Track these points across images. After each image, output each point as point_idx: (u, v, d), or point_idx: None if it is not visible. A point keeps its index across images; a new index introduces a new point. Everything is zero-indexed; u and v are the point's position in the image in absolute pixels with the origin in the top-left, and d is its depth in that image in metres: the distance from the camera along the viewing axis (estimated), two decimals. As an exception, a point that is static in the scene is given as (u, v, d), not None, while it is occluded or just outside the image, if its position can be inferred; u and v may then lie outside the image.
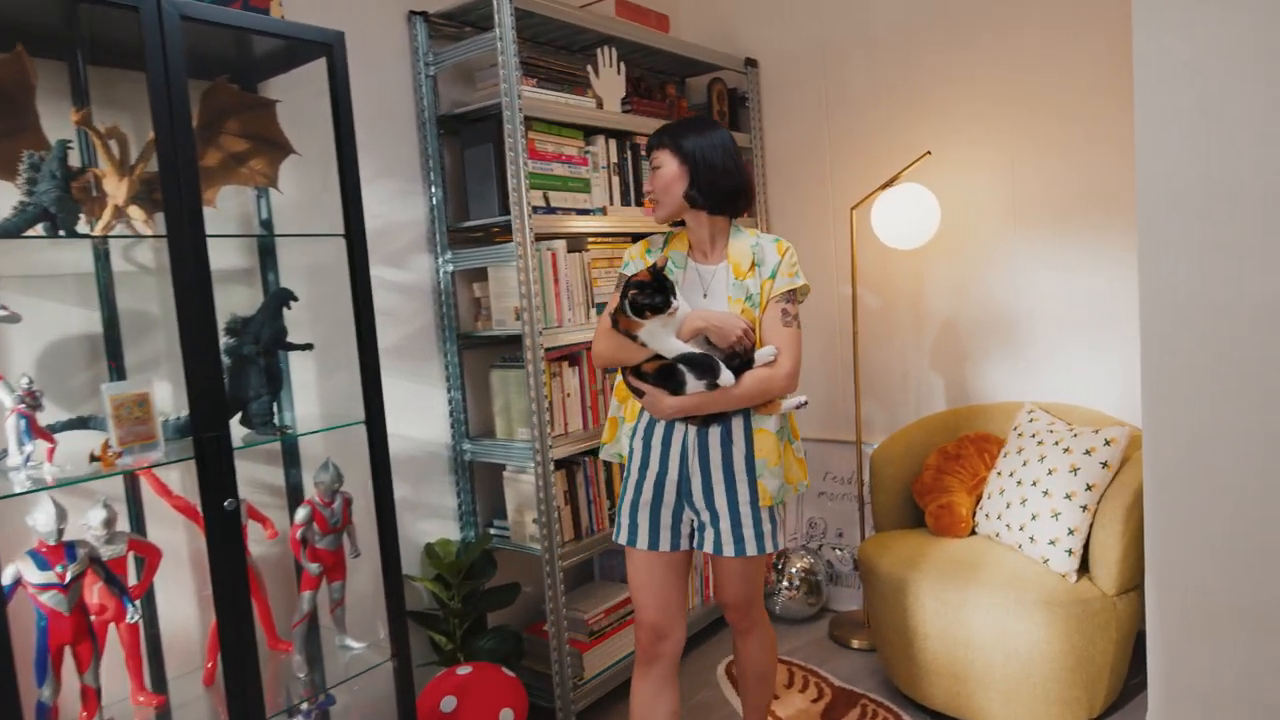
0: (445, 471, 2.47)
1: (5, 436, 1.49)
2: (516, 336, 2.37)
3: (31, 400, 1.46)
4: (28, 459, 1.45)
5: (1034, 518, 2.23)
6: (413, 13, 2.35)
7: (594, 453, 2.54)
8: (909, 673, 2.32)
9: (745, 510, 1.75)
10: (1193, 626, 1.47)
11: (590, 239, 2.55)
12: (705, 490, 1.76)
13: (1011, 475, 2.36)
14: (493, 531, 2.51)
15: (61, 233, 1.48)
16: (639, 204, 2.69)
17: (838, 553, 3.08)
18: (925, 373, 2.95)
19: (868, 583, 2.44)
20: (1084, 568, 2.18)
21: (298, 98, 1.87)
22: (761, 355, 1.71)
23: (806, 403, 1.78)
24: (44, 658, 1.49)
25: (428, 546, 2.37)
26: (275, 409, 1.81)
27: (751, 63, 3.16)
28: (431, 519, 2.43)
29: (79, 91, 1.68)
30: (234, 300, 1.92)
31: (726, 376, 1.67)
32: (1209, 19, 1.37)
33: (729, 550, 1.76)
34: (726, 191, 1.75)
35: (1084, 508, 2.16)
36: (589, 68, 2.55)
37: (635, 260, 1.87)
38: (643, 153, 2.69)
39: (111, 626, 1.60)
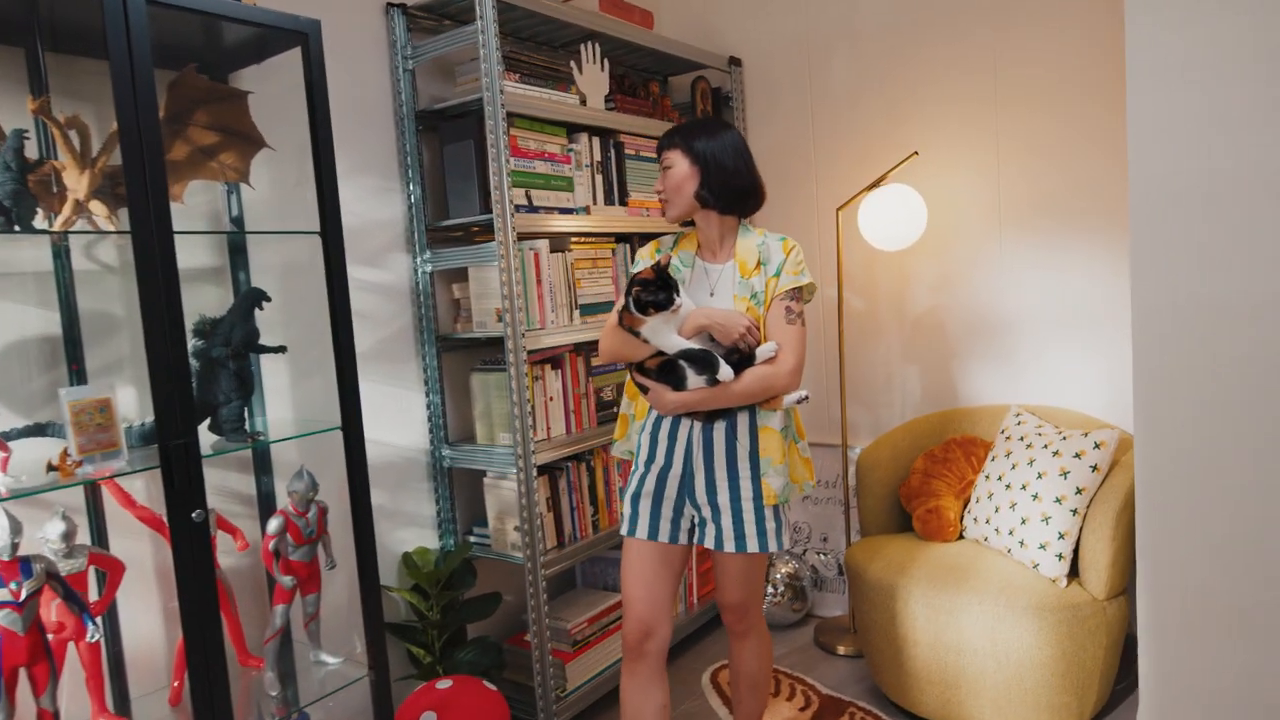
0: (424, 478, 2.40)
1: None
2: (498, 339, 2.31)
3: (-16, 406, 1.38)
4: (-21, 469, 1.37)
5: (1024, 522, 2.21)
6: (390, 4, 2.27)
7: (578, 458, 2.49)
8: (898, 680, 2.29)
9: (748, 506, 1.75)
10: (1186, 630, 1.46)
11: (573, 239, 2.50)
12: (708, 486, 1.77)
13: (1000, 479, 2.34)
14: (473, 540, 2.44)
15: (17, 228, 1.40)
16: (623, 203, 2.64)
17: (822, 558, 3.04)
18: (911, 375, 2.93)
19: (855, 588, 2.41)
20: (1073, 572, 2.17)
21: (271, 90, 1.80)
22: (762, 352, 1.72)
23: (808, 397, 1.79)
24: (-3, 680, 1.40)
25: (405, 556, 2.30)
26: (246, 415, 1.73)
27: (736, 61, 3.13)
28: (409, 527, 2.36)
29: (37, 79, 1.60)
30: (203, 301, 1.84)
31: (726, 371, 1.68)
32: (1206, 14, 1.34)
33: (730, 546, 1.76)
34: (737, 192, 1.78)
35: (1074, 511, 2.15)
36: (572, 64, 2.49)
37: (645, 259, 1.89)
38: (627, 151, 2.64)
39: (71, 645, 1.52)
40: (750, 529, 1.75)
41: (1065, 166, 2.56)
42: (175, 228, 1.43)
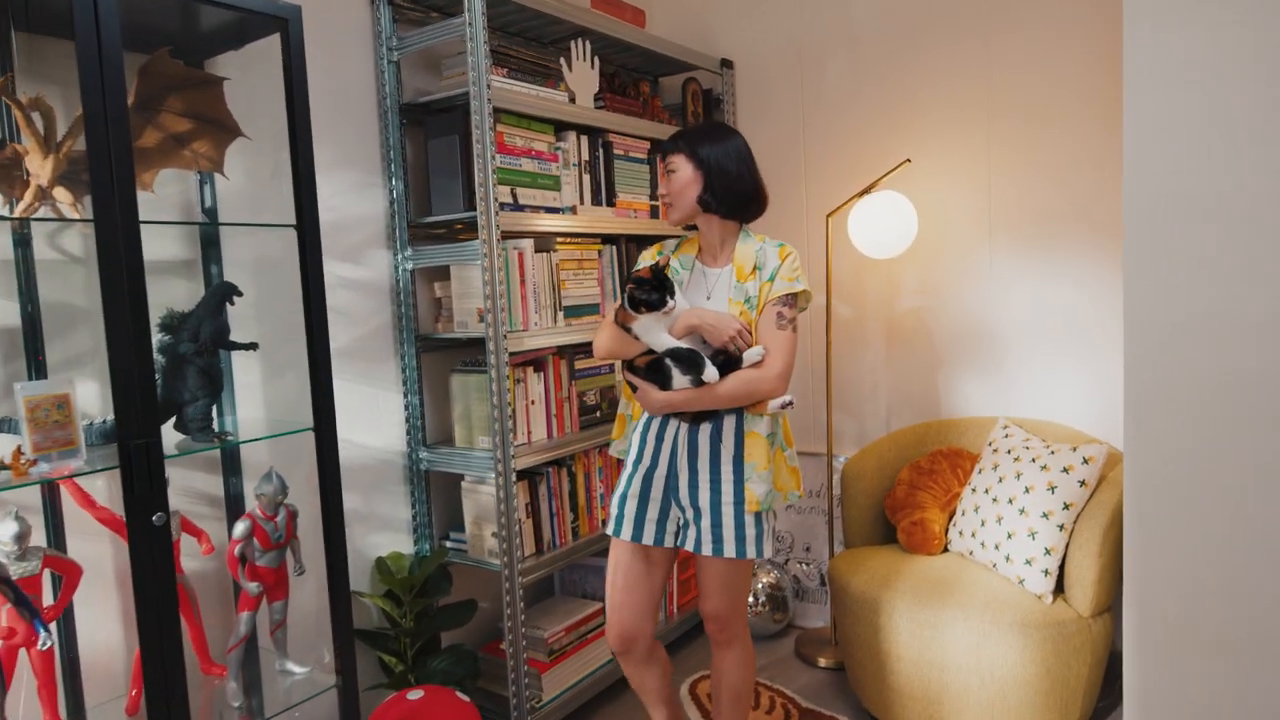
0: (399, 481, 2.33)
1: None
2: (479, 339, 2.26)
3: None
4: (-74, 466, 1.30)
5: (1010, 536, 2.18)
6: (376, -6, 2.22)
7: (559, 463, 2.43)
8: (880, 694, 2.25)
9: (728, 510, 1.74)
10: (1172, 648, 1.43)
11: (559, 239, 2.44)
12: (691, 487, 1.77)
13: (987, 492, 2.31)
14: (449, 545, 2.38)
15: (-27, 213, 1.33)
16: (610, 204, 2.59)
17: (805, 568, 3.01)
18: (897, 385, 2.90)
19: (838, 601, 2.37)
20: (1059, 588, 2.14)
21: (250, 78, 1.74)
22: (749, 355, 1.73)
23: (792, 402, 1.78)
24: (-59, 689, 1.33)
25: (379, 560, 2.24)
26: (214, 413, 1.67)
27: (727, 63, 3.09)
28: (383, 531, 2.29)
29: (4, 57, 1.53)
30: (171, 294, 1.78)
31: (710, 372, 1.69)
32: (1206, 17, 1.32)
33: (707, 550, 1.76)
34: (740, 198, 1.79)
35: (1061, 527, 2.12)
36: (562, 60, 2.44)
37: (647, 260, 1.91)
38: (616, 151, 2.59)
39: (22, 652, 1.44)
40: (729, 533, 1.74)
41: (1057, 177, 2.54)
42: (144, 217, 1.36)
